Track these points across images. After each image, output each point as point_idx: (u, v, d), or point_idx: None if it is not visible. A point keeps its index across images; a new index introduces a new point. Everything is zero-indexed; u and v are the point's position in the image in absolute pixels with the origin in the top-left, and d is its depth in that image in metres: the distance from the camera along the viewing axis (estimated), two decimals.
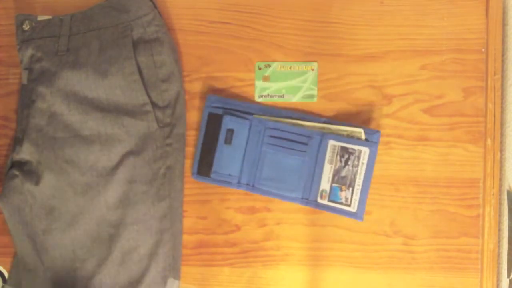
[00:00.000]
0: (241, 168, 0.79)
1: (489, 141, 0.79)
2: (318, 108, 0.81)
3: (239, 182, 0.80)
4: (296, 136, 0.79)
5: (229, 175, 0.80)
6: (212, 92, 0.81)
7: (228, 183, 0.80)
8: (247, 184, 0.80)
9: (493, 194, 0.79)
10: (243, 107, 0.80)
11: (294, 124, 0.79)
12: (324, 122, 0.79)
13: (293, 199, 0.79)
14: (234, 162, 0.79)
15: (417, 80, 0.80)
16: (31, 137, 0.78)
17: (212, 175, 0.80)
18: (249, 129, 0.79)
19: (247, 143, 0.79)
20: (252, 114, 0.80)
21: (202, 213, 0.81)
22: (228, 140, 0.79)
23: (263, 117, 0.79)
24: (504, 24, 0.80)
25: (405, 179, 0.80)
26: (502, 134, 0.81)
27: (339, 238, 0.80)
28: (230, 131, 0.79)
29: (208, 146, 0.80)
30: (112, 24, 0.78)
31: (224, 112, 0.80)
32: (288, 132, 0.79)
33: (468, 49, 0.80)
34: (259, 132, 0.79)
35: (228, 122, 0.79)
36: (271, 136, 0.79)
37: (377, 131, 0.77)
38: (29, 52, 0.79)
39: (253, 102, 0.81)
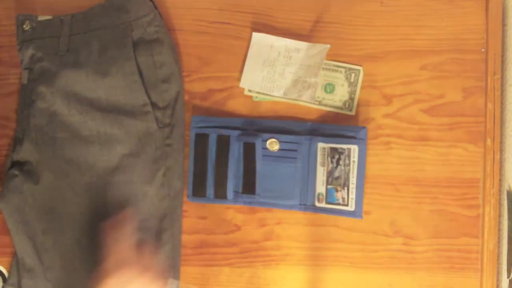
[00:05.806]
0: None
1: (489, 141, 0.79)
2: (318, 108, 0.81)
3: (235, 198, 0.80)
4: (285, 144, 0.78)
5: None
6: (211, 93, 0.82)
7: (225, 200, 0.79)
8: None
9: (493, 194, 0.79)
10: (228, 123, 0.80)
11: (281, 133, 0.79)
12: (311, 128, 0.79)
13: (291, 207, 0.79)
14: None
15: (417, 80, 0.80)
16: (31, 137, 0.78)
17: (207, 195, 0.80)
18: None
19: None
20: (238, 128, 0.79)
21: (202, 213, 0.81)
22: None
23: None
24: (503, 24, 0.80)
25: (405, 179, 0.80)
26: (502, 134, 0.81)
27: (339, 238, 0.80)
28: None
29: (200, 166, 0.80)
30: (113, 24, 0.78)
31: (211, 131, 0.79)
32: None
33: (467, 49, 0.80)
34: None
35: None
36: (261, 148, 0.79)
37: (363, 127, 0.77)
38: (29, 52, 0.79)
39: (237, 116, 0.81)
